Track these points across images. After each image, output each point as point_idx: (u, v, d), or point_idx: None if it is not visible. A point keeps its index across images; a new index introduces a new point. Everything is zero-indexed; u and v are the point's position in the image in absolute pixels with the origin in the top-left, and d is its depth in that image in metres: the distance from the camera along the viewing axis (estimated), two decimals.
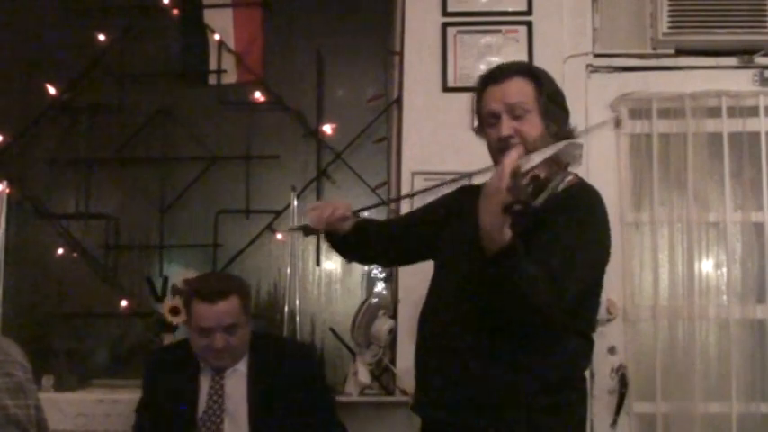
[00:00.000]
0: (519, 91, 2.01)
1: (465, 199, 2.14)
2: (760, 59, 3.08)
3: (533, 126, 1.98)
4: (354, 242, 2.30)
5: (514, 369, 1.89)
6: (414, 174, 3.06)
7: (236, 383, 2.54)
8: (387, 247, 2.34)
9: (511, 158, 1.67)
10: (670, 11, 3.04)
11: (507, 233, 1.69)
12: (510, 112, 2.00)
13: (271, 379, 2.53)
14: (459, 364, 1.93)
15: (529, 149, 1.91)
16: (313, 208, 2.28)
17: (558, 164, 1.97)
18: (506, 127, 1.99)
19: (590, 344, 2.08)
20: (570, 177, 1.99)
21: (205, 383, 2.55)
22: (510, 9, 3.13)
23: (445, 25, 3.14)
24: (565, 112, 2.07)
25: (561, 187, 1.95)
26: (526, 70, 2.08)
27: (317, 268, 3.28)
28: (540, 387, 1.90)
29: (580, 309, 1.95)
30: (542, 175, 1.83)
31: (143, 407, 2.63)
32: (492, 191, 1.67)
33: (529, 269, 1.74)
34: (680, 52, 3.11)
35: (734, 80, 3.08)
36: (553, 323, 1.87)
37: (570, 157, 1.98)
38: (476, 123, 2.15)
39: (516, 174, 1.64)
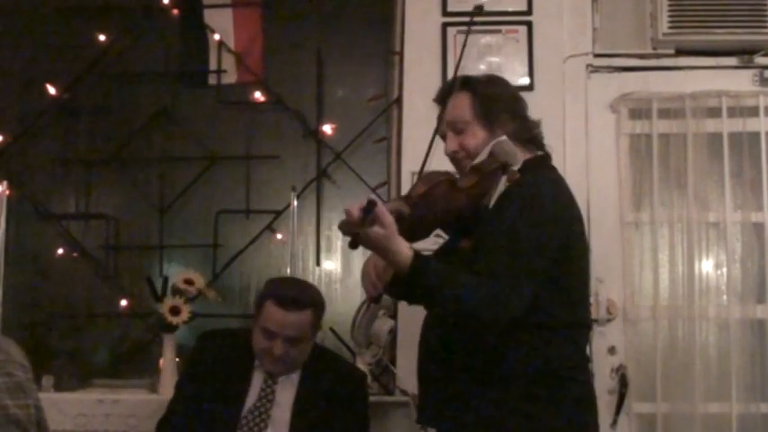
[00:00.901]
0: (455, 107, 2.11)
1: None
2: (760, 59, 3.08)
3: (474, 136, 2.07)
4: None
5: (480, 372, 1.96)
6: (414, 174, 3.05)
7: (286, 392, 2.48)
8: None
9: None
10: (670, 11, 3.04)
11: (407, 253, 1.83)
12: (452, 129, 2.11)
13: (319, 396, 2.48)
14: (435, 373, 2.03)
15: (473, 160, 2.03)
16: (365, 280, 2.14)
17: (502, 165, 1.98)
18: (451, 144, 2.12)
19: (567, 340, 2.02)
20: (509, 176, 2.00)
21: (257, 382, 2.48)
22: (510, 9, 3.13)
23: (445, 25, 3.14)
24: (509, 112, 2.09)
25: (501, 189, 1.99)
26: (461, 83, 2.15)
27: (316, 268, 3.28)
28: (519, 385, 1.94)
29: (539, 301, 1.92)
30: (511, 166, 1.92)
31: (185, 384, 2.55)
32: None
33: (451, 274, 1.87)
34: (680, 52, 3.11)
35: (734, 80, 3.08)
36: (497, 323, 1.88)
37: (505, 155, 1.99)
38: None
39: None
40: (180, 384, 2.59)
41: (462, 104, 2.10)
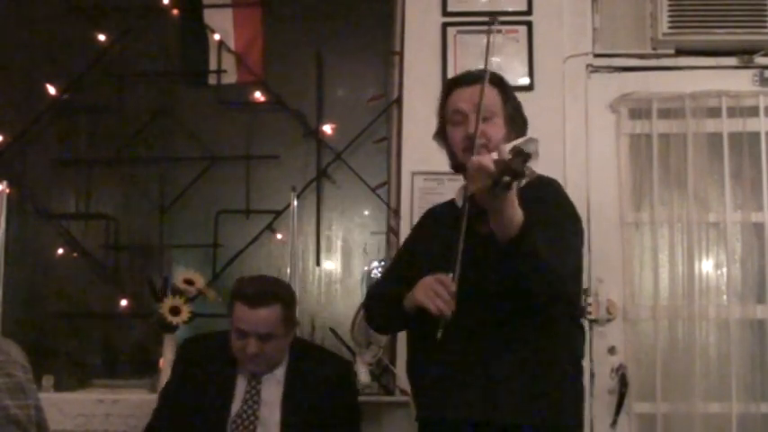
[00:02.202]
0: (487, 94, 2.06)
1: (437, 221, 2.23)
2: (760, 59, 3.08)
3: (498, 129, 2.07)
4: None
5: (528, 363, 1.97)
6: (414, 174, 3.06)
7: (273, 390, 2.48)
8: None
9: (482, 158, 1.71)
10: (670, 11, 3.04)
11: (519, 212, 1.76)
12: (478, 113, 2.05)
13: (306, 390, 2.48)
14: (472, 371, 1.98)
15: (491, 151, 1.96)
16: (430, 299, 1.93)
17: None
18: (473, 126, 2.04)
19: (581, 330, 2.16)
20: (529, 172, 2.01)
21: (241, 385, 2.48)
22: (510, 9, 3.13)
23: (445, 25, 3.14)
24: (524, 122, 2.17)
25: (524, 182, 1.97)
26: (495, 78, 2.14)
27: (316, 268, 3.28)
28: (552, 377, 1.99)
29: (571, 291, 2.04)
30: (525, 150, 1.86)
31: (170, 391, 2.55)
32: (479, 182, 1.70)
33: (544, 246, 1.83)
34: (680, 52, 3.11)
35: (734, 80, 3.08)
36: (568, 296, 1.99)
37: (529, 151, 1.99)
38: (437, 129, 2.22)
39: (498, 158, 1.69)
40: (164, 392, 2.59)
41: (494, 96, 2.10)
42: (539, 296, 1.92)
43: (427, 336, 2.06)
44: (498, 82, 2.15)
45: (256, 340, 2.40)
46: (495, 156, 1.76)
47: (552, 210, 1.97)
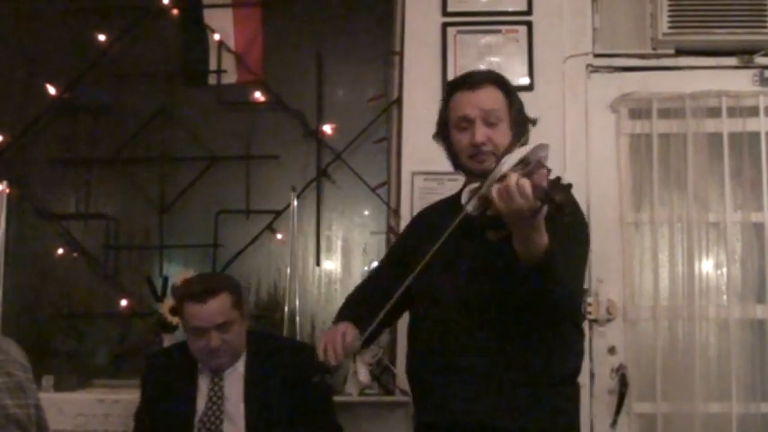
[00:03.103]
0: (494, 99, 2.05)
1: (435, 216, 2.19)
2: (760, 59, 3.08)
3: (504, 135, 2.03)
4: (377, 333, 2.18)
5: (533, 369, 1.97)
6: (414, 174, 3.06)
7: (235, 385, 2.53)
8: (396, 311, 2.19)
9: (514, 178, 1.68)
10: (670, 11, 3.04)
11: (545, 235, 1.74)
12: (484, 119, 2.04)
13: (267, 380, 2.51)
14: (479, 376, 1.97)
15: (499, 157, 1.95)
16: (324, 350, 2.03)
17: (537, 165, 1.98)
18: (480, 133, 2.02)
19: (583, 333, 2.17)
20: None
21: (204, 385, 2.53)
22: (510, 9, 3.13)
23: (445, 25, 3.14)
24: (526, 122, 2.12)
25: None
26: (500, 80, 2.12)
27: (316, 268, 3.28)
28: (554, 382, 1.99)
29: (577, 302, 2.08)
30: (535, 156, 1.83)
31: (142, 411, 2.61)
32: (522, 212, 1.68)
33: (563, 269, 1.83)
34: (680, 52, 3.11)
35: (734, 80, 3.08)
36: (576, 313, 2.04)
37: (538, 159, 1.98)
38: (437, 129, 2.19)
39: (537, 191, 1.66)
40: (138, 411, 2.63)
41: (500, 100, 2.06)
42: (552, 313, 1.93)
43: (426, 339, 2.07)
44: (503, 84, 2.11)
45: (216, 332, 2.45)
46: (503, 171, 1.75)
47: (565, 227, 1.89)
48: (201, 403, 2.51)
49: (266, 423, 2.47)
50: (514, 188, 1.66)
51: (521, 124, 2.08)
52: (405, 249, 2.22)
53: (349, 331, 2.01)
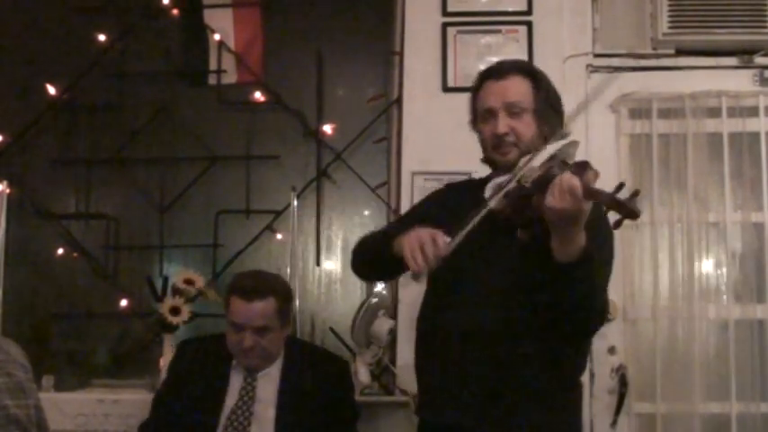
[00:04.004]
0: (518, 89, 2.02)
1: (455, 197, 2.14)
2: (760, 59, 3.08)
3: (528, 125, 2.00)
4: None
5: (545, 371, 1.94)
6: (414, 174, 3.06)
7: (268, 387, 2.50)
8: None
9: (573, 183, 1.67)
10: (670, 11, 3.04)
11: (584, 235, 1.73)
12: (507, 110, 2.01)
13: (301, 388, 2.49)
14: (491, 369, 1.93)
15: (522, 149, 1.96)
16: (411, 256, 1.84)
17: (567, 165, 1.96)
18: (503, 124, 2.00)
19: (590, 342, 2.16)
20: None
21: (236, 382, 2.50)
22: (510, 9, 3.13)
23: (445, 25, 3.14)
24: (559, 115, 2.08)
25: None
26: (527, 69, 2.09)
27: (316, 268, 3.28)
28: (560, 386, 1.97)
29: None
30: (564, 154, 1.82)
31: (163, 396, 2.58)
32: (575, 212, 1.68)
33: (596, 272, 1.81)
34: (680, 52, 3.11)
35: (734, 80, 3.08)
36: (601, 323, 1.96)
37: (567, 156, 1.96)
38: (470, 117, 2.15)
39: (590, 191, 1.65)
40: (159, 393, 2.62)
41: (525, 90, 2.02)
42: (580, 322, 1.88)
43: (432, 339, 2.06)
44: (530, 73, 2.06)
45: (252, 333, 2.43)
46: (532, 162, 1.74)
47: (596, 229, 1.86)
48: (231, 400, 2.48)
49: (295, 430, 2.45)
50: (566, 188, 1.66)
51: (548, 114, 2.02)
52: (425, 217, 2.07)
53: (438, 234, 1.83)
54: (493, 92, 2.04)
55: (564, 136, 1.98)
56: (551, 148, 1.90)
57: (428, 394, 2.07)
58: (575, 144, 1.97)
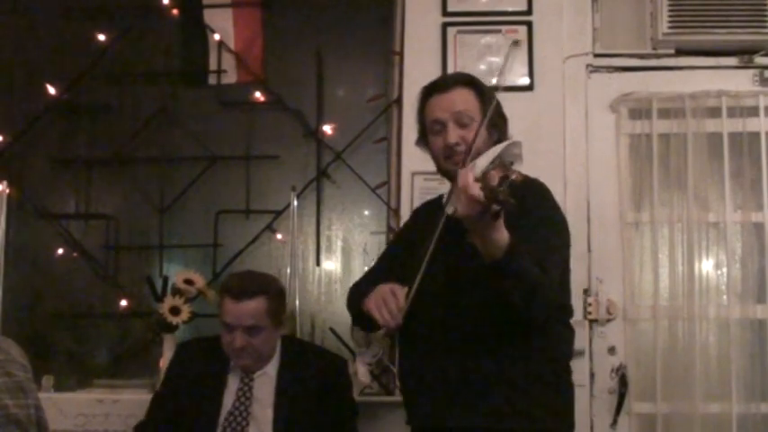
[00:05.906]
0: (465, 100, 2.08)
1: (426, 213, 2.22)
2: (760, 59, 3.08)
3: (479, 135, 2.04)
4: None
5: (506, 362, 1.96)
6: (414, 174, 3.06)
7: (265, 387, 2.50)
8: None
9: (465, 178, 1.68)
10: (670, 11, 3.04)
11: (505, 234, 1.74)
12: (456, 121, 2.06)
13: (298, 387, 2.49)
14: (452, 365, 1.98)
15: (473, 157, 1.99)
16: (377, 307, 2.00)
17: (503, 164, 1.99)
18: (453, 135, 2.05)
19: (571, 331, 2.14)
20: (515, 175, 2.01)
21: (233, 383, 2.51)
22: (510, 9, 3.13)
23: (445, 25, 3.14)
24: (504, 120, 2.14)
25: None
26: (470, 81, 2.14)
27: (316, 268, 3.28)
28: (531, 377, 1.98)
29: (560, 296, 2.05)
30: (513, 176, 1.83)
31: (162, 396, 2.59)
32: (468, 210, 1.69)
33: (530, 266, 1.81)
34: (680, 52, 3.11)
35: (734, 80, 3.08)
36: (549, 315, 1.98)
37: (512, 156, 2.00)
38: (417, 136, 2.21)
39: (485, 184, 1.65)
40: (157, 394, 2.62)
41: (471, 100, 2.08)
42: (525, 312, 1.89)
43: (413, 342, 2.08)
44: (474, 84, 2.12)
45: (242, 333, 2.43)
46: (477, 171, 1.74)
47: (537, 221, 1.94)
48: (228, 401, 2.48)
49: (293, 429, 2.45)
50: (465, 193, 1.67)
51: (496, 122, 2.09)
52: (405, 244, 2.24)
53: (396, 288, 1.97)
54: (439, 105, 2.10)
55: (510, 138, 2.08)
56: (495, 150, 1.95)
57: (413, 402, 2.15)
58: (517, 144, 2.01)
